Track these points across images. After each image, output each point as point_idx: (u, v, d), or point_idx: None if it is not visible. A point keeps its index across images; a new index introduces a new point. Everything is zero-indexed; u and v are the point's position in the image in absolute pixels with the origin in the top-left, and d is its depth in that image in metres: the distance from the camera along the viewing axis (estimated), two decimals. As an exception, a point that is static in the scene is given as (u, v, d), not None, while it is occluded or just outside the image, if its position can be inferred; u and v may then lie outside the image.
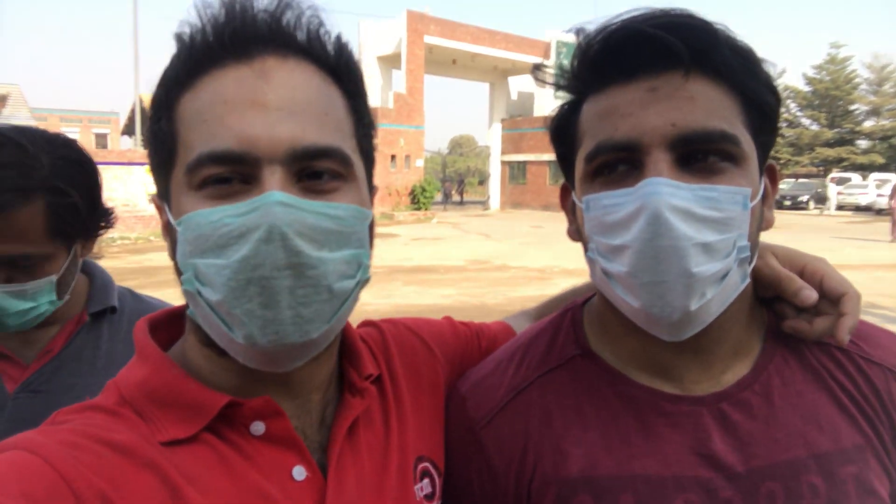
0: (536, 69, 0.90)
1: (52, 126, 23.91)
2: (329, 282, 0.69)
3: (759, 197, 0.79)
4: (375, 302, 9.26)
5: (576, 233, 0.90)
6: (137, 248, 16.41)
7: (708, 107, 0.75)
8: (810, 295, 0.85)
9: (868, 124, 46.38)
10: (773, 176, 0.88)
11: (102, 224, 1.34)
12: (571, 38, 0.86)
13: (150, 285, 9.51)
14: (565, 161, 0.90)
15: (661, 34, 0.74)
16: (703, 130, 0.75)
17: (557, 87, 0.88)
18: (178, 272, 0.72)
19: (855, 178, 36.26)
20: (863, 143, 46.69)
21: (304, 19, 0.73)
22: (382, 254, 14.50)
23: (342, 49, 0.76)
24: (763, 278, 0.88)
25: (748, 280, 0.80)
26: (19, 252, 1.16)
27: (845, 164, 44.42)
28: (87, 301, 1.41)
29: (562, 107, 0.89)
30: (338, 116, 0.74)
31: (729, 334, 0.85)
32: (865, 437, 0.83)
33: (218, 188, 0.68)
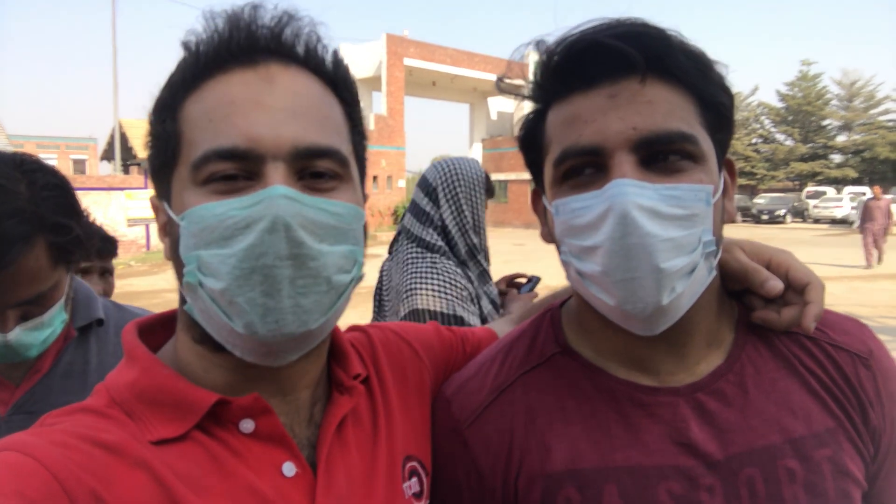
0: (500, 81, 0.94)
1: (30, 152, 23.61)
2: (328, 273, 0.71)
3: (719, 192, 0.83)
4: (361, 321, 9.18)
5: (548, 235, 0.93)
6: (118, 274, 16.14)
7: (666, 109, 0.79)
8: (776, 285, 0.88)
9: (841, 139, 47.40)
10: (731, 170, 0.91)
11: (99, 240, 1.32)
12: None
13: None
14: (534, 167, 0.93)
15: (616, 44, 0.77)
16: (664, 132, 0.78)
17: (522, 97, 0.91)
18: (179, 266, 0.74)
19: (830, 191, 36.96)
20: (836, 158, 47.65)
21: (303, 34, 0.77)
22: (365, 273, 14.40)
23: (339, 62, 0.81)
24: (731, 272, 0.92)
25: (714, 272, 0.83)
26: (33, 294, 1.17)
27: (819, 178, 45.28)
28: (72, 316, 1.38)
29: (528, 115, 0.92)
30: (336, 121, 0.78)
31: (700, 326, 0.88)
32: (837, 420, 0.86)
33: (222, 184, 0.70)
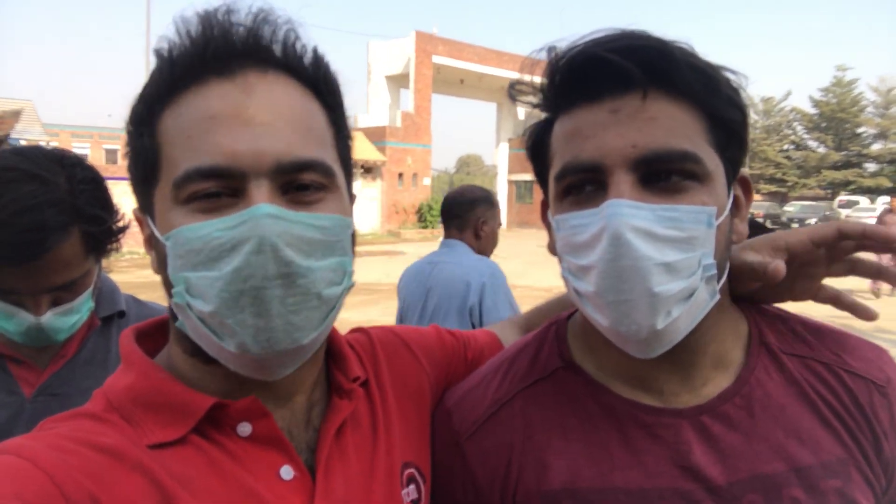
0: (512, 87, 0.91)
1: (64, 141, 24.15)
2: (318, 289, 0.71)
3: (725, 213, 0.80)
4: (382, 319, 9.25)
5: (553, 247, 0.91)
6: (146, 263, 16.40)
7: (669, 126, 0.76)
8: (777, 266, 0.85)
9: (876, 147, 46.36)
10: (746, 187, 0.88)
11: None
12: None
13: (158, 300, 9.49)
14: (542, 177, 0.91)
15: (615, 58, 0.75)
16: (664, 150, 0.75)
17: (532, 105, 0.89)
18: (168, 285, 0.73)
19: (863, 201, 36.19)
20: (870, 167, 46.63)
21: (280, 33, 0.74)
22: (389, 271, 14.50)
23: (319, 62, 0.78)
24: (739, 272, 0.88)
25: (718, 297, 0.80)
26: (67, 280, 1.25)
27: (853, 187, 44.34)
28: (97, 306, 1.45)
29: (536, 125, 0.90)
30: (320, 129, 0.77)
31: (707, 348, 0.86)
32: (848, 450, 0.83)
33: (205, 202, 0.69)
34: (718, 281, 0.79)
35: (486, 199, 3.23)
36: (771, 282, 0.87)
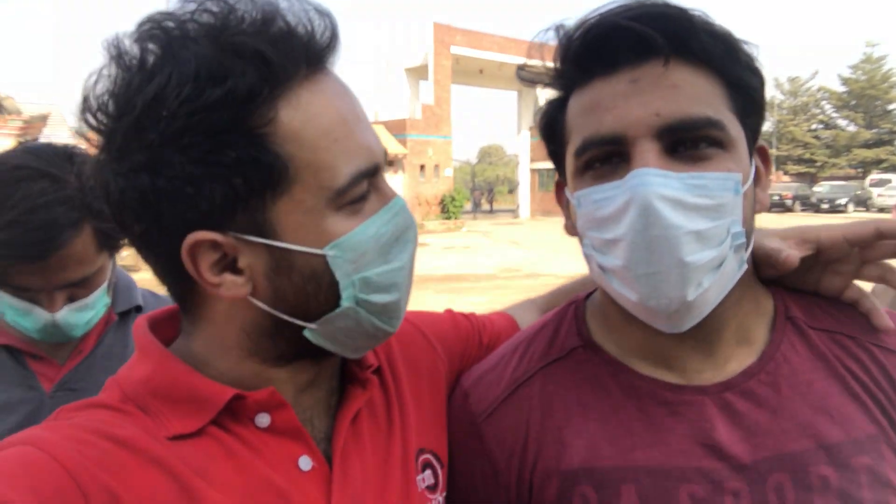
0: (521, 69, 0.90)
1: (94, 145, 24.40)
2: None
3: (750, 180, 0.79)
4: (407, 310, 9.27)
5: (571, 228, 0.90)
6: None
7: (691, 94, 0.75)
8: (791, 255, 0.84)
9: (908, 124, 45.14)
10: (764, 157, 0.87)
11: None
12: None
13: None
14: (556, 157, 0.90)
15: (636, 26, 0.74)
16: (688, 118, 0.74)
17: (544, 84, 0.88)
18: (316, 300, 0.72)
19: (895, 179, 35.28)
20: (903, 144, 45.44)
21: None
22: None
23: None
24: (759, 258, 0.88)
25: (746, 266, 0.79)
26: (80, 276, 1.26)
27: (885, 165, 43.27)
28: (113, 301, 1.47)
29: (549, 104, 0.89)
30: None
31: (730, 323, 0.84)
32: (879, 426, 0.81)
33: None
34: (746, 249, 0.78)
35: None
36: (782, 270, 0.86)
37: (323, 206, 0.68)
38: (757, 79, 0.80)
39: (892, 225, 0.84)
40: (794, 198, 33.16)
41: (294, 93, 0.67)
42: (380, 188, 0.73)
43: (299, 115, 0.67)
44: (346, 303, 0.71)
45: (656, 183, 0.72)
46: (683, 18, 0.76)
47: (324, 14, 0.70)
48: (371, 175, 0.72)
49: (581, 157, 0.81)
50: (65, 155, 1.27)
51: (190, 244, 0.67)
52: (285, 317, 0.72)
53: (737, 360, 0.85)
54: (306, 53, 0.68)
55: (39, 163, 1.21)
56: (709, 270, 0.74)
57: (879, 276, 0.88)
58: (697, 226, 0.72)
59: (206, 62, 0.63)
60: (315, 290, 0.71)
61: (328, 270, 0.70)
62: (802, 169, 46.82)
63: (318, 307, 0.72)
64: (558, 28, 0.83)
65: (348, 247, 0.69)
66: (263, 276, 0.70)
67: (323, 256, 0.69)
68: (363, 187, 0.71)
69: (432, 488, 0.88)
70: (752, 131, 0.82)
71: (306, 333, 0.74)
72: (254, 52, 0.64)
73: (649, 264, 0.73)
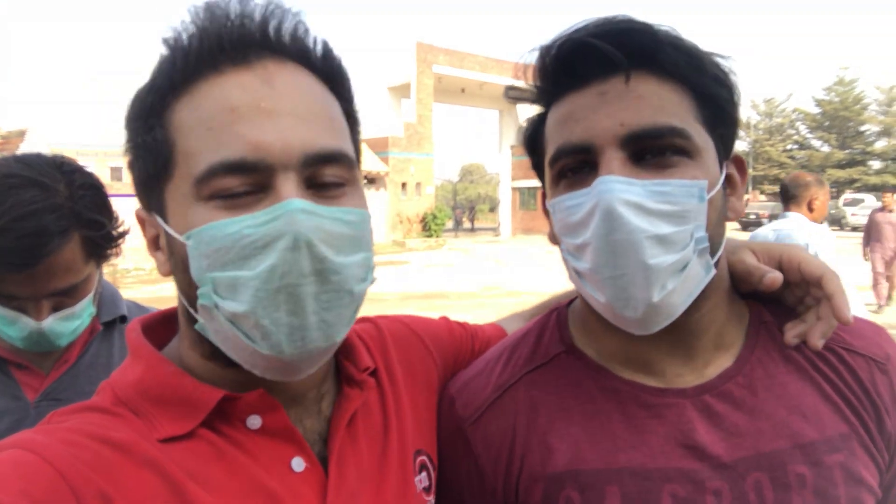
0: (509, 89, 0.94)
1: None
2: (350, 285, 0.70)
3: (717, 187, 0.81)
4: (405, 315, 9.21)
5: (553, 236, 0.92)
6: (152, 279, 16.54)
7: (656, 104, 0.78)
8: (774, 277, 0.87)
9: (880, 145, 46.22)
10: (740, 165, 0.90)
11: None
12: None
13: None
14: (539, 169, 0.93)
15: (599, 43, 0.77)
16: (652, 127, 0.77)
17: (529, 101, 0.92)
18: (189, 286, 0.70)
19: (868, 199, 36.01)
20: (875, 164, 46.50)
21: (291, 25, 0.72)
22: (394, 280, 14.52)
23: (329, 54, 0.76)
24: (737, 273, 0.91)
25: (714, 271, 0.81)
26: (68, 285, 1.26)
27: (857, 185, 44.20)
28: (99, 311, 1.46)
29: (532, 119, 0.93)
30: (339, 120, 0.75)
31: (708, 328, 0.87)
32: (850, 426, 0.84)
33: (230, 200, 0.66)
34: (713, 255, 0.81)
35: (817, 181, 4.40)
36: (765, 290, 0.89)
37: (190, 193, 0.68)
38: (726, 90, 0.83)
39: (833, 284, 0.85)
40: (770, 216, 33.64)
41: (200, 84, 0.69)
42: (277, 189, 0.66)
43: (191, 104, 0.69)
44: (202, 300, 0.68)
45: (619, 189, 0.75)
46: (648, 33, 0.79)
47: (272, 4, 0.71)
48: (241, 170, 0.66)
49: (554, 165, 0.84)
50: (55, 164, 1.28)
51: (138, 219, 0.77)
52: (186, 304, 0.73)
53: (715, 364, 0.88)
54: (230, 46, 0.68)
55: (30, 171, 1.21)
56: (672, 273, 0.77)
57: (816, 305, 0.89)
58: (660, 230, 0.75)
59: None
60: (184, 280, 0.71)
61: (186, 262, 0.69)
62: (777, 188, 47.61)
63: (190, 300, 0.71)
64: (541, 49, 0.87)
65: (202, 240, 0.66)
66: (168, 258, 0.74)
67: (185, 245, 0.68)
68: (232, 181, 0.66)
69: (427, 490, 0.89)
70: (724, 141, 0.84)
71: (197, 327, 0.72)
72: (182, 44, 0.69)
73: (615, 267, 0.76)
